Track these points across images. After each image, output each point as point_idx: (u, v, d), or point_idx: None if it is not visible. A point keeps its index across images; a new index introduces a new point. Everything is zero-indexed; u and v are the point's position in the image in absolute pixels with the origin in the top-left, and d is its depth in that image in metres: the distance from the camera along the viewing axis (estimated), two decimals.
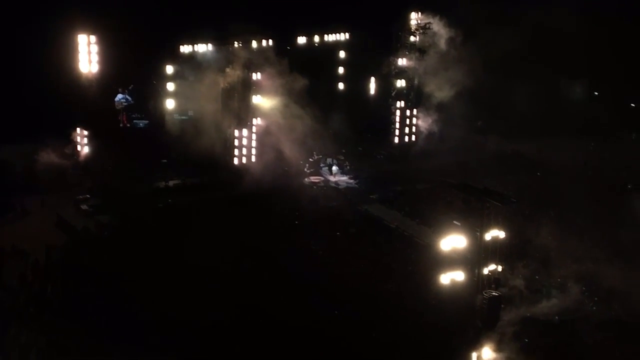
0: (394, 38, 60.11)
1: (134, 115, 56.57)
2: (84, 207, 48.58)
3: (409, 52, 59.96)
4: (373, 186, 54.78)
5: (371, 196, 52.83)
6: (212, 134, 52.76)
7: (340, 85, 62.23)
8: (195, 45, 54.15)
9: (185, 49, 54.18)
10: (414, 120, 61.53)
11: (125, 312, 36.14)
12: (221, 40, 54.29)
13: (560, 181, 53.59)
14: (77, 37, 52.77)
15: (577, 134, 62.90)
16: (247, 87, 54.20)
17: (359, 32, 61.20)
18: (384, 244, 45.19)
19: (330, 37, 60.80)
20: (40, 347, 33.83)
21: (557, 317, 36.45)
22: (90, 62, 53.20)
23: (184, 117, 55.17)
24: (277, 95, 54.02)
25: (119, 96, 55.81)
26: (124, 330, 34.83)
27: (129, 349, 33.38)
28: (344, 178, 56.30)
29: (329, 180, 55.80)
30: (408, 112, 61.30)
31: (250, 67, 53.98)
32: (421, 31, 59.03)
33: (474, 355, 32.82)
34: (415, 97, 60.86)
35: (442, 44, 58.21)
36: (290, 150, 54.15)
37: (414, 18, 59.58)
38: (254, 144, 55.00)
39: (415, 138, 61.85)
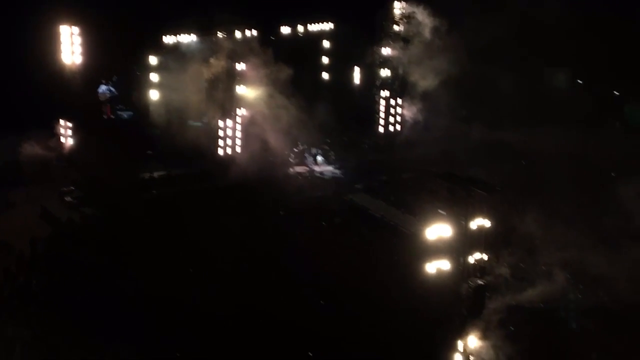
0: (378, 27, 60.00)
1: (117, 107, 56.40)
2: (68, 199, 48.43)
3: (393, 41, 59.90)
4: (358, 176, 54.79)
5: (356, 186, 52.86)
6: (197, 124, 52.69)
7: (325, 75, 62.11)
8: (179, 36, 54.04)
9: (169, 39, 54.04)
10: (399, 110, 61.54)
11: (111, 305, 36.11)
12: (205, 31, 54.15)
13: (544, 169, 53.73)
14: (59, 29, 52.44)
15: (561, 122, 62.95)
16: (232, 78, 54.07)
17: (343, 22, 61.06)
18: (369, 234, 45.22)
19: (314, 27, 60.66)
20: (25, 340, 33.75)
21: (542, 305, 36.56)
22: (73, 53, 52.89)
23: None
24: (261, 85, 53.90)
25: (103, 87, 55.63)
26: (110, 322, 34.82)
27: (115, 342, 33.38)
28: (329, 168, 56.29)
29: (314, 170, 55.80)
30: (393, 102, 61.30)
31: (234, 57, 53.85)
32: (405, 20, 58.98)
33: (460, 343, 32.87)
34: (400, 87, 60.85)
35: (427, 33, 58.13)
36: (275, 141, 54.09)
37: (398, 7, 59.50)
38: (238, 134, 54.91)
39: (400, 127, 61.84)
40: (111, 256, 40.48)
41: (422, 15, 58.23)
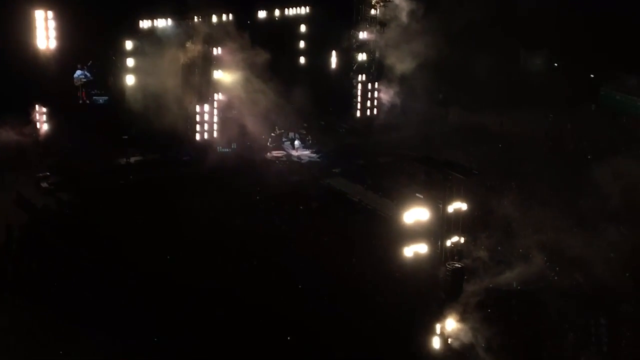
0: (354, 11, 59.88)
1: (93, 92, 55.90)
2: (44, 184, 48.13)
3: (370, 25, 59.80)
4: (335, 160, 54.80)
5: (334, 170, 52.86)
6: (174, 109, 52.41)
7: (302, 60, 61.87)
8: (154, 20, 53.61)
9: (144, 24, 53.60)
10: (376, 94, 61.51)
11: (87, 291, 36.00)
12: (181, 15, 53.80)
13: (521, 152, 53.97)
14: (34, 13, 51.90)
15: (538, 105, 63.19)
16: (208, 62, 53.85)
17: (319, 6, 60.84)
18: (347, 218, 45.24)
19: (290, 11, 60.38)
20: (1, 326, 33.61)
21: (519, 287, 36.75)
22: (48, 38, 52.36)
23: (226, 150, 54.60)
24: (238, 70, 53.71)
25: (78, 72, 55.14)
26: (86, 308, 34.73)
27: (91, 327, 33.31)
28: (307, 152, 56.23)
29: (291, 155, 55.71)
30: (370, 86, 61.26)
31: (210, 41, 53.61)
32: (382, 4, 58.86)
33: (438, 326, 33.00)
34: (377, 71, 60.80)
35: (403, 16, 58.11)
36: (252, 125, 53.97)
37: None
38: (215, 119, 54.73)
39: (377, 111, 61.86)
40: (87, 242, 40.28)
41: None
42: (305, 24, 61.32)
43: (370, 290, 37.13)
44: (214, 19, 54.44)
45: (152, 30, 53.72)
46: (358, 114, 61.61)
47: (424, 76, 58.59)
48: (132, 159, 51.93)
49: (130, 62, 54.12)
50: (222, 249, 40.26)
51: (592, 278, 37.03)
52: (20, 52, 51.74)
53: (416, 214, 33.33)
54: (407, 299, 35.72)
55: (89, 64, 55.20)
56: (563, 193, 46.17)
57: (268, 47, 53.83)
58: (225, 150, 54.45)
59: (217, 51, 53.76)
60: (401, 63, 58.61)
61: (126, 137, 53.83)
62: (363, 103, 61.50)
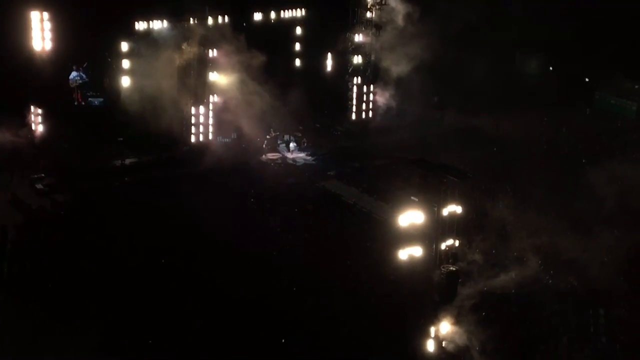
0: (350, 14, 59.88)
1: (88, 93, 55.92)
2: (39, 186, 48.03)
3: (366, 28, 59.82)
4: (330, 163, 54.78)
5: (329, 173, 52.83)
6: (169, 111, 52.44)
7: (297, 62, 61.96)
8: (150, 22, 53.65)
9: (140, 25, 53.62)
10: (371, 97, 61.54)
11: (82, 292, 35.98)
12: (177, 17, 53.83)
13: (516, 155, 54.03)
14: (29, 14, 51.88)
15: (533, 108, 63.31)
16: (204, 64, 53.84)
17: (315, 9, 60.93)
18: (342, 221, 45.25)
19: (286, 14, 60.48)
20: None
21: (513, 290, 36.79)
22: (43, 39, 52.27)
23: (226, 140, 54.63)
24: (233, 72, 53.68)
25: (74, 74, 55.17)
26: (81, 310, 34.70)
27: (86, 329, 33.28)
28: (302, 155, 56.20)
29: (286, 157, 55.69)
30: (365, 88, 61.26)
31: (206, 43, 53.62)
32: (377, 7, 58.90)
33: (432, 329, 33.01)
34: (372, 73, 60.80)
35: (399, 19, 58.20)
36: (247, 127, 54.01)
37: None
38: (211, 121, 54.74)
39: (373, 114, 61.85)
40: (82, 243, 40.25)
41: (394, 1, 58.25)
42: (301, 27, 61.38)
43: (365, 292, 37.14)
44: (210, 21, 54.46)
45: (148, 32, 53.75)
46: (353, 116, 61.60)
47: (420, 79, 58.69)
48: (128, 161, 51.90)
49: (125, 63, 54.13)
50: (215, 251, 40.25)
51: (587, 281, 37.09)
52: (15, 53, 51.71)
53: (411, 217, 33.35)
54: (402, 302, 35.74)
55: (85, 65, 55.24)
56: (558, 196, 46.23)
57: (264, 50, 53.83)
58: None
59: (212, 53, 53.76)
60: (397, 66, 58.70)
61: (121, 138, 53.87)
62: (358, 106, 61.48)
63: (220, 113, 54.65)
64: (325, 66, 63.43)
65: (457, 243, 34.22)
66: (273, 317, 34.86)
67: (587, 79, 68.61)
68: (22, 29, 51.94)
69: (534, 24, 66.04)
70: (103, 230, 41.66)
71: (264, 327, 34.32)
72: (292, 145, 56.47)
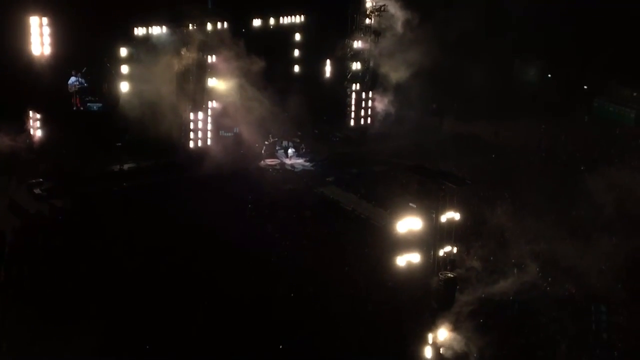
0: (349, 20, 59.93)
1: (87, 99, 55.87)
2: (37, 191, 48.01)
3: (364, 34, 59.85)
4: (329, 169, 54.82)
5: (327, 179, 52.86)
6: (168, 117, 52.45)
7: (296, 68, 61.95)
8: (149, 28, 53.67)
9: (139, 31, 53.65)
10: (370, 103, 61.55)
11: (80, 297, 35.95)
12: (176, 22, 53.86)
13: (515, 162, 54.05)
14: (29, 19, 51.87)
15: (531, 115, 63.34)
16: (203, 70, 53.87)
17: (314, 15, 60.93)
18: (340, 227, 45.23)
19: (285, 20, 60.49)
20: None
21: (512, 297, 36.77)
22: (42, 44, 52.20)
23: (228, 134, 54.72)
24: (232, 77, 53.73)
25: (72, 79, 55.14)
26: (79, 315, 34.66)
27: (84, 333, 33.25)
28: (300, 161, 56.22)
29: (285, 163, 55.69)
30: (364, 95, 61.27)
31: (205, 49, 53.65)
32: (376, 13, 58.94)
33: (430, 336, 32.99)
34: (371, 80, 60.82)
35: (398, 26, 58.21)
36: (246, 133, 54.02)
37: (369, 0, 59.43)
38: (209, 127, 54.74)
39: (371, 120, 61.84)
40: (80, 248, 40.21)
41: (393, 8, 58.28)
42: (299, 33, 61.36)
43: (363, 298, 37.10)
44: (209, 26, 54.48)
45: (147, 38, 53.77)
46: (352, 122, 61.59)
47: (418, 85, 58.72)
48: (126, 166, 51.89)
49: (124, 69, 54.14)
50: (214, 255, 40.24)
51: (585, 288, 37.08)
52: (14, 58, 51.68)
53: (409, 224, 33.36)
54: (400, 308, 35.71)
55: (84, 70, 55.20)
56: (556, 203, 46.24)
57: (263, 55, 53.89)
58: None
59: (211, 59, 53.77)
60: (395, 72, 58.70)
61: (120, 144, 53.86)
62: (357, 112, 61.48)
63: (219, 119, 54.64)
64: (324, 72, 63.45)
65: (455, 250, 34.25)
66: (271, 322, 34.81)
67: (585, 87, 68.66)
68: (21, 33, 51.89)
69: (533, 31, 66.05)
70: (101, 235, 41.60)
71: (259, 332, 34.27)
72: (290, 151, 56.49)
